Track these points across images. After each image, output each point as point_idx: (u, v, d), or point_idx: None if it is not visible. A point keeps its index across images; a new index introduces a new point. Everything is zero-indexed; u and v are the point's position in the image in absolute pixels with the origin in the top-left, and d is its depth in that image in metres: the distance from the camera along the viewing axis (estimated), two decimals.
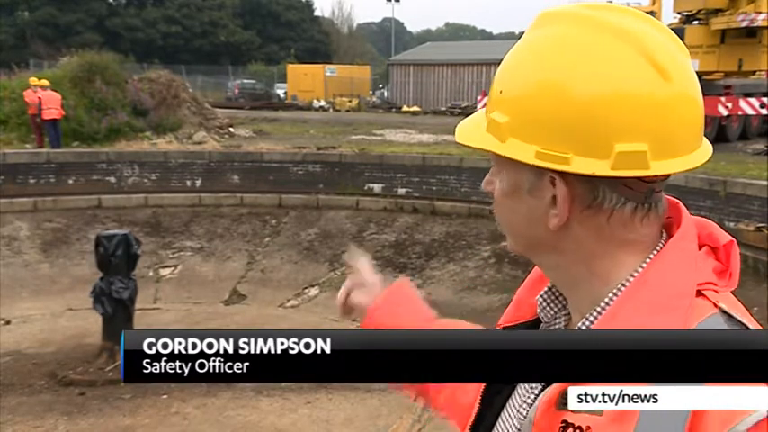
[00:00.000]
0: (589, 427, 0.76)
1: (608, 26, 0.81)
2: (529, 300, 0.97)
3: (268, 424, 6.90)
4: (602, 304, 0.85)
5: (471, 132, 0.90)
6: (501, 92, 0.85)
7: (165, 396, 7.40)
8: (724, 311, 0.79)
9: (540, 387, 0.86)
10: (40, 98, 15.31)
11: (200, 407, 7.22)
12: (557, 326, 0.94)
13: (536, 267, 0.98)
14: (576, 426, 0.77)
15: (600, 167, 0.79)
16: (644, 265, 0.85)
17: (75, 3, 48.98)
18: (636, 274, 0.84)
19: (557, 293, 0.94)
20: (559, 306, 0.94)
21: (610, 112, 0.78)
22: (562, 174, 0.81)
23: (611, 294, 0.85)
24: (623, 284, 0.84)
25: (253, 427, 6.84)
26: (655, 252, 0.85)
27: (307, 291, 12.00)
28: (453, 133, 0.96)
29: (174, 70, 25.23)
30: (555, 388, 0.80)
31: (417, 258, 12.47)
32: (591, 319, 0.86)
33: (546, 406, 0.80)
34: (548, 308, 0.94)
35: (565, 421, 0.79)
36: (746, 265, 9.67)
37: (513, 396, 0.94)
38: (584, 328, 0.86)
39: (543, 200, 0.84)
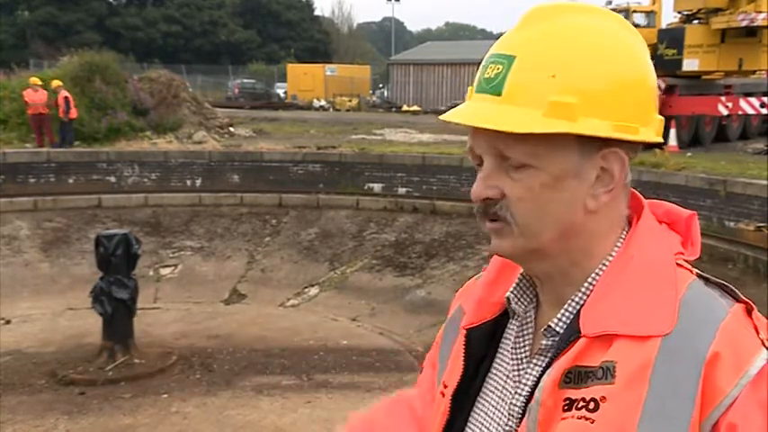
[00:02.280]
0: (604, 398, 0.79)
1: (617, 19, 0.91)
2: (490, 299, 1.00)
3: (268, 423, 6.89)
4: (590, 279, 0.89)
5: (513, 120, 0.83)
6: (554, 76, 0.84)
7: (165, 395, 7.40)
8: (701, 276, 0.88)
9: (538, 371, 0.89)
10: (67, 97, 15.36)
11: (200, 406, 7.22)
12: (528, 318, 0.96)
13: (489, 270, 1.03)
14: (589, 399, 0.80)
15: (651, 135, 0.89)
16: (620, 242, 0.90)
17: (75, 2, 48.90)
18: (616, 251, 0.89)
19: (525, 288, 0.97)
20: (529, 299, 0.97)
21: (651, 86, 0.90)
22: (622, 146, 0.87)
23: (597, 270, 0.89)
24: (606, 261, 0.89)
25: (253, 426, 6.83)
26: (626, 229, 0.91)
27: (307, 290, 12.00)
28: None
29: (174, 70, 25.22)
30: (558, 368, 0.83)
31: (417, 258, 12.46)
32: (577, 299, 0.89)
33: (552, 385, 0.83)
34: (520, 302, 0.97)
35: (568, 398, 0.82)
36: (746, 264, 9.66)
37: (486, 395, 0.96)
38: (570, 308, 0.89)
39: (587, 181, 0.87)
